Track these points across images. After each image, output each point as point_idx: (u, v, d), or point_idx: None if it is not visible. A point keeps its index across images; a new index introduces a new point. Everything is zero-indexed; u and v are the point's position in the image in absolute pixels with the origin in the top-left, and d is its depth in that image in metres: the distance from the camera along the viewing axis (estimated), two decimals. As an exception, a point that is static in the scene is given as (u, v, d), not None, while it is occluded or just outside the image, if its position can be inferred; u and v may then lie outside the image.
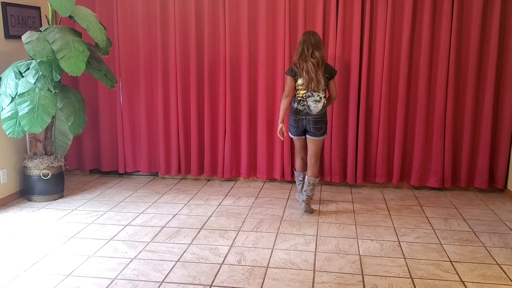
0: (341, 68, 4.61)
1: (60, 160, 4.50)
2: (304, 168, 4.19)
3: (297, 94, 3.92)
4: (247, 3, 4.64)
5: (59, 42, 3.79)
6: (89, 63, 4.10)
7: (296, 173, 4.26)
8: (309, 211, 4.07)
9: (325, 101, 3.94)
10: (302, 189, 4.20)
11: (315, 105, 3.89)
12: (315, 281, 2.90)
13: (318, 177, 4.06)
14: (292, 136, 4.10)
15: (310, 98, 3.88)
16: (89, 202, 4.40)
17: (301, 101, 3.91)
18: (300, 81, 3.87)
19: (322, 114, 3.93)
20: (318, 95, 3.88)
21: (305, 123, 3.93)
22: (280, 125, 3.97)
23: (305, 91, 3.88)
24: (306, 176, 4.06)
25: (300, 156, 4.18)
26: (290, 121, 4.02)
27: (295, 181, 4.84)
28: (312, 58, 3.82)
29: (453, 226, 3.82)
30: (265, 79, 4.75)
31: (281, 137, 4.05)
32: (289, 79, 3.91)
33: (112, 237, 3.56)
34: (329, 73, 3.91)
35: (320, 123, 3.93)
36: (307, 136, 4.00)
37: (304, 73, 3.82)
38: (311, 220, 3.92)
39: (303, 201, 4.06)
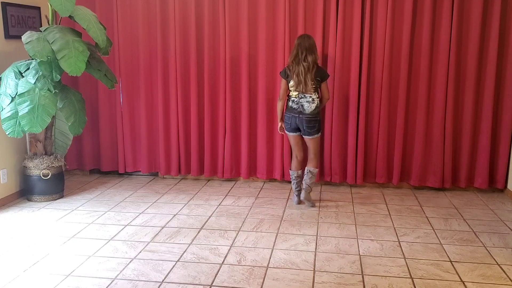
0: (341, 68, 4.61)
1: (60, 160, 4.50)
2: (299, 167, 4.24)
3: (291, 94, 4.10)
4: (247, 3, 4.64)
5: (59, 42, 3.79)
6: (89, 63, 4.10)
7: (291, 172, 4.28)
8: (308, 199, 4.25)
9: (318, 102, 4.07)
10: (297, 187, 4.29)
11: (308, 105, 4.03)
12: (315, 281, 2.90)
13: (317, 168, 4.22)
14: (287, 133, 4.21)
15: (303, 99, 4.02)
16: (89, 202, 4.40)
17: (295, 101, 4.06)
18: (291, 83, 4.03)
19: (315, 114, 4.08)
20: (311, 96, 4.02)
21: (297, 121, 4.06)
22: (279, 123, 4.25)
23: (296, 92, 4.03)
24: (306, 167, 4.20)
25: (295, 154, 4.24)
26: (285, 118, 4.15)
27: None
28: (304, 62, 3.95)
29: (453, 226, 3.82)
30: (265, 79, 4.75)
31: (281, 133, 4.34)
32: (282, 81, 4.12)
33: (112, 237, 3.56)
34: (321, 76, 4.04)
35: (312, 122, 4.06)
36: (303, 135, 4.15)
37: (294, 76, 3.99)
38: (311, 220, 3.92)
39: (303, 189, 4.23)
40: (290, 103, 4.10)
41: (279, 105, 4.18)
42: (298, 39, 4.04)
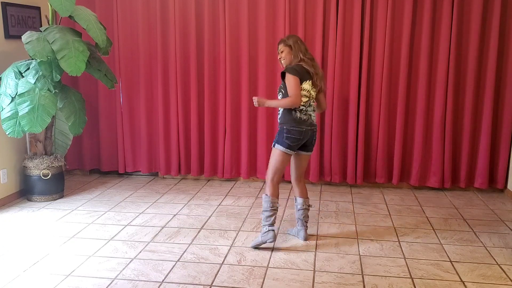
0: (341, 68, 4.61)
1: (60, 160, 4.50)
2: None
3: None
4: (247, 3, 4.64)
5: (59, 42, 3.79)
6: (89, 63, 4.10)
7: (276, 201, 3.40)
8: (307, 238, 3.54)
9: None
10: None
11: (314, 115, 3.42)
12: (315, 281, 2.89)
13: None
14: (289, 152, 3.31)
15: (310, 107, 3.37)
16: (89, 202, 4.40)
17: (303, 110, 3.32)
18: (306, 86, 3.30)
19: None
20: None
21: (309, 135, 3.35)
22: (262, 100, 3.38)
23: (307, 98, 3.32)
24: (302, 198, 3.53)
25: (281, 176, 3.42)
26: (294, 133, 3.28)
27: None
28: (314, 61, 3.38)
29: (453, 226, 3.82)
30: (265, 79, 4.75)
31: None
32: (297, 80, 3.26)
33: (112, 237, 3.56)
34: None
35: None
36: (306, 152, 3.44)
37: (315, 76, 3.33)
38: (311, 220, 3.90)
39: (303, 226, 3.53)
40: (298, 114, 3.29)
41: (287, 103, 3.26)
42: (295, 36, 3.44)
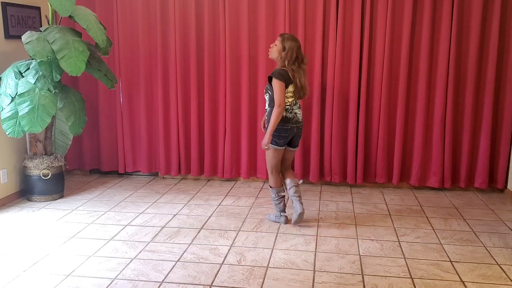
0: (341, 68, 4.61)
1: (60, 160, 4.50)
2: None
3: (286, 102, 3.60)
4: (247, 3, 4.64)
5: (59, 42, 3.79)
6: (89, 63, 4.10)
7: (279, 189, 3.82)
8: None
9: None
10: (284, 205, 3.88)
11: (300, 112, 3.70)
12: (315, 281, 2.90)
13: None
14: (279, 148, 3.66)
15: (296, 105, 3.66)
16: (89, 202, 4.40)
17: (288, 109, 3.61)
18: (290, 88, 3.57)
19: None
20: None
21: (295, 132, 3.68)
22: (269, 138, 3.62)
23: (292, 98, 3.60)
24: (292, 179, 3.77)
25: (278, 170, 3.82)
26: (280, 131, 3.60)
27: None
28: (303, 64, 3.62)
29: (453, 226, 3.82)
30: (265, 79, 4.75)
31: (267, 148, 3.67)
32: (283, 86, 3.54)
33: (112, 237, 3.56)
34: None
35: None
36: (293, 147, 3.78)
37: (297, 80, 3.56)
38: (311, 220, 3.91)
39: (299, 202, 3.72)
40: (283, 113, 3.56)
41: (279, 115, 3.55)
42: (295, 41, 3.58)
